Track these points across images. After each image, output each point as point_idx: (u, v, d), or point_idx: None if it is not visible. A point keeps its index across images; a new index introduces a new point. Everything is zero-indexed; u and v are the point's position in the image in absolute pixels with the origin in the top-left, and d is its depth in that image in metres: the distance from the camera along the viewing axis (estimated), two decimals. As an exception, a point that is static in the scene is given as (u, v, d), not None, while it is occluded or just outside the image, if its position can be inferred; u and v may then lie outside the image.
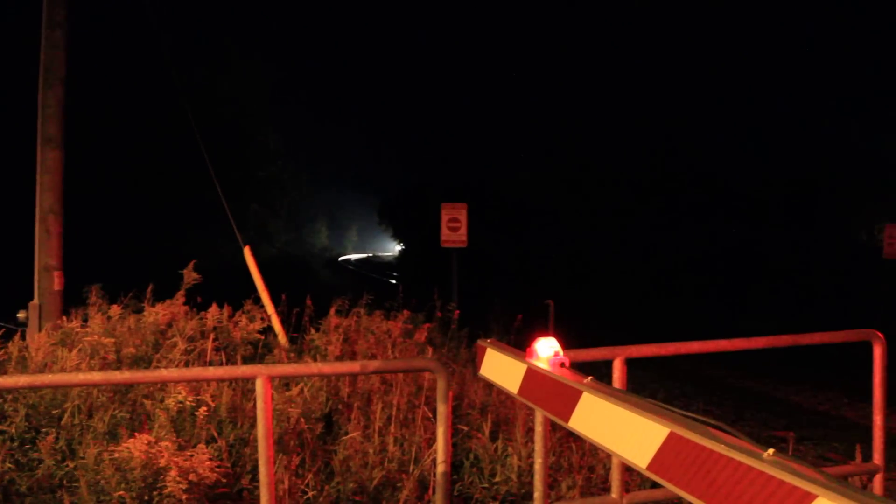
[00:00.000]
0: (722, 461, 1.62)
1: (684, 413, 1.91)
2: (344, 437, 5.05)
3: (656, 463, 1.86)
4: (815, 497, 1.37)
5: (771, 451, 1.55)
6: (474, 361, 6.64)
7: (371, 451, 4.90)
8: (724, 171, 29.97)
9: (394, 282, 35.80)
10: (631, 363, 3.56)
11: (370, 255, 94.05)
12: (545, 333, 2.71)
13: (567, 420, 2.33)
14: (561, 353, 2.63)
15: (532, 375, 2.64)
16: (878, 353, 3.80)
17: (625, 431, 2.02)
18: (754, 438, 5.91)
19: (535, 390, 2.63)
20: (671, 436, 1.81)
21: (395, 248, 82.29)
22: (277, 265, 32.28)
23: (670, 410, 1.94)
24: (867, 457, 4.00)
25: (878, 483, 3.83)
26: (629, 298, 23.54)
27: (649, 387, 9.70)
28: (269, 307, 7.63)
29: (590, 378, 2.33)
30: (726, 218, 28.41)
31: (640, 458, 1.93)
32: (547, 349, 2.64)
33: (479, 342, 3.15)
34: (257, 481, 3.67)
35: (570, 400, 2.33)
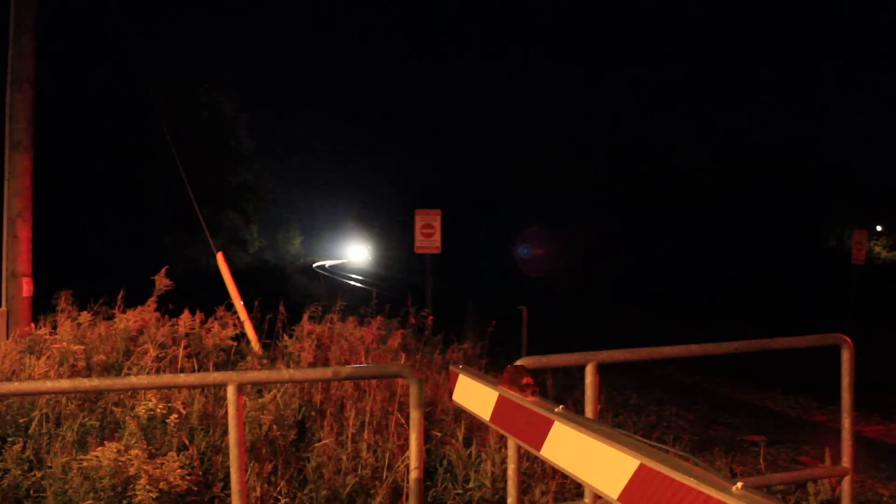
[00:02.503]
0: (692, 494, 1.63)
1: (654, 444, 1.93)
2: (317, 444, 5.02)
3: (627, 494, 1.88)
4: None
5: (739, 484, 1.56)
6: (448, 368, 6.64)
7: (344, 457, 4.87)
8: (695, 177, 30.25)
9: (359, 284, 35.73)
10: (604, 368, 3.57)
11: (344, 261, 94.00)
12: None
13: (539, 449, 2.34)
14: (532, 381, 2.64)
15: (504, 403, 2.64)
16: (845, 357, 3.84)
17: (596, 462, 2.04)
18: (726, 443, 5.95)
19: (506, 418, 2.63)
20: (641, 467, 1.83)
21: (367, 254, 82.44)
22: (251, 271, 32.07)
23: (641, 441, 1.96)
24: (836, 460, 4.04)
25: (846, 485, 3.87)
26: (602, 304, 23.67)
27: (623, 392, 9.76)
28: (242, 313, 7.58)
29: (561, 407, 2.34)
30: (698, 224, 28.68)
31: (611, 488, 1.95)
32: (518, 377, 2.64)
33: (452, 368, 3.16)
34: (229, 489, 3.64)
35: (541, 429, 2.34)
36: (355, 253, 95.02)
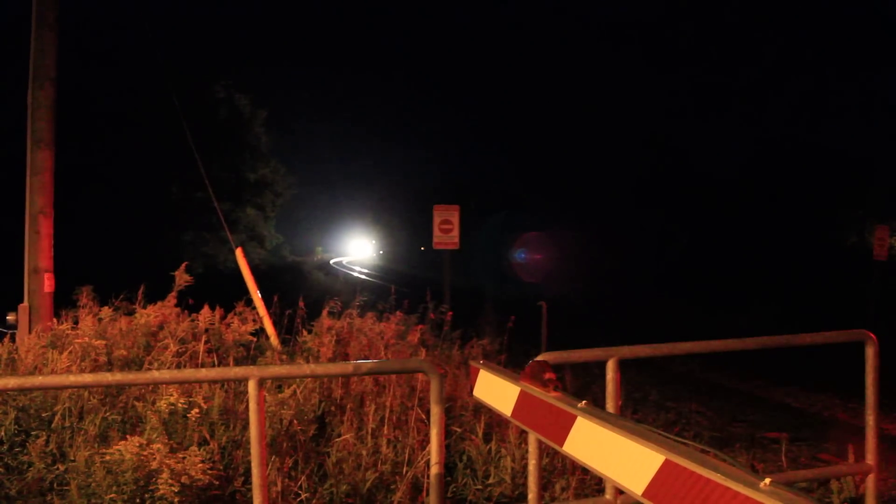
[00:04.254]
0: (718, 490, 1.61)
1: (680, 440, 1.91)
2: (337, 439, 5.03)
3: (652, 490, 1.86)
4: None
5: (768, 480, 1.54)
6: (467, 363, 6.63)
7: (364, 452, 4.88)
8: (712, 174, 30.06)
9: (372, 279, 35.80)
10: (624, 364, 3.55)
11: (354, 257, 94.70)
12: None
13: (561, 444, 2.32)
14: (554, 376, 2.62)
15: (526, 398, 2.62)
16: (870, 353, 3.80)
17: (620, 457, 2.02)
18: (747, 440, 5.89)
19: (528, 413, 2.61)
20: (667, 463, 1.81)
21: (373, 249, 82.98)
22: (269, 267, 32.22)
23: (666, 437, 1.94)
24: (860, 457, 4.00)
25: (870, 483, 3.83)
26: (618, 301, 23.58)
27: (641, 388, 9.71)
28: (261, 309, 7.61)
29: (584, 402, 2.32)
30: (716, 220, 28.49)
31: (636, 484, 1.92)
32: (541, 372, 2.62)
33: (472, 363, 3.15)
34: (250, 483, 3.65)
35: (564, 424, 2.32)
36: (361, 249, 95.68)
